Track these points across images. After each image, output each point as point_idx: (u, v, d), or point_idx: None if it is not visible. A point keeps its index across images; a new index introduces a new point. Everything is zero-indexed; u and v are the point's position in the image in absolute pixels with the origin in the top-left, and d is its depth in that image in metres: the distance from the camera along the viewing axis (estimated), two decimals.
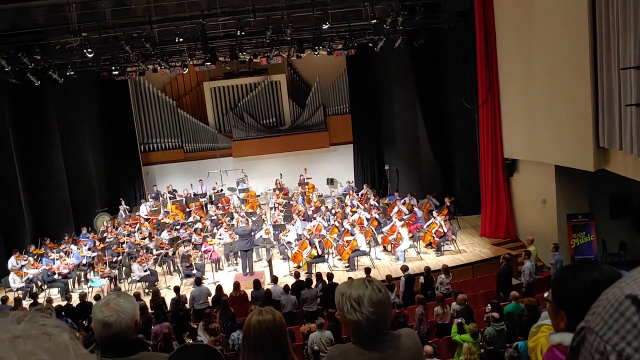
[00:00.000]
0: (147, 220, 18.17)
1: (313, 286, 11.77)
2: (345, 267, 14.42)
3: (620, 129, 9.12)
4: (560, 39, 11.13)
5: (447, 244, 14.95)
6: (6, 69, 14.45)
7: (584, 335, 0.87)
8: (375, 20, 14.53)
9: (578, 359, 0.88)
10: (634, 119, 8.47)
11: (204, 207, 19.73)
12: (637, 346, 0.78)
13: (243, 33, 14.53)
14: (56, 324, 0.78)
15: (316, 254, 14.22)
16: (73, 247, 15.68)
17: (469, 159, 16.64)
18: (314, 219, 16.58)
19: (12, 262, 14.47)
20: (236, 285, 11.98)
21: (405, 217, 15.95)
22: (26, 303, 12.87)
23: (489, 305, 9.51)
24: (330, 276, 11.98)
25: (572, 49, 10.68)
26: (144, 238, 16.28)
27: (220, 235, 15.93)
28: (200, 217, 18.12)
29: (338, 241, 14.79)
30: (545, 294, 1.77)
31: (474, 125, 15.76)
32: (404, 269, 12.15)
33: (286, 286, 11.79)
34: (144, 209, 19.21)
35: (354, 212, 16.48)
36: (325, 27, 14.64)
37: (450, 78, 17.06)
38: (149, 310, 11.27)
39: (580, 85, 10.48)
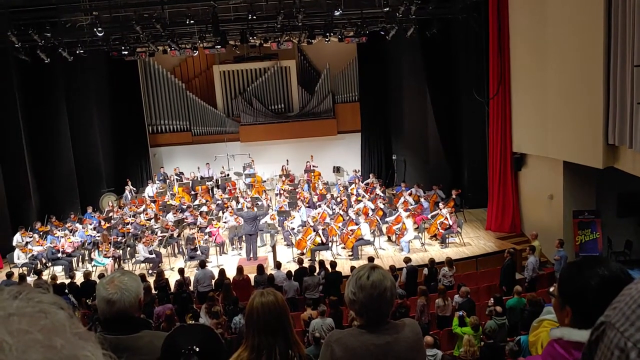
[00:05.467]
0: (153, 201, 18.22)
1: (316, 273, 11.80)
2: (349, 255, 14.43)
3: (631, 127, 9.05)
4: (575, 34, 11.01)
5: (451, 237, 14.93)
6: (16, 45, 14.44)
7: (603, 330, 0.85)
8: (387, 8, 14.42)
9: (596, 354, 0.86)
10: None
11: (210, 191, 19.77)
12: None
13: (254, 17, 14.46)
14: (53, 301, 0.76)
15: (320, 242, 14.24)
16: (78, 225, 15.76)
17: (477, 152, 16.56)
18: (319, 206, 16.58)
19: (17, 238, 14.57)
20: (239, 270, 12.03)
21: (411, 208, 15.92)
22: (30, 279, 12.96)
23: (491, 299, 9.51)
24: (333, 264, 11.99)
25: (586, 43, 10.56)
26: (149, 219, 16.34)
27: (225, 219, 15.98)
28: (206, 201, 18.16)
29: (342, 229, 14.80)
30: (551, 289, 1.76)
31: (483, 118, 15.67)
32: (407, 260, 12.16)
33: (289, 272, 11.82)
34: (150, 190, 19.27)
35: (359, 201, 16.47)
36: (337, 13, 14.54)
37: (461, 69, 16.92)
38: (153, 291, 11.33)
39: (592, 81, 10.39)
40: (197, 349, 1.87)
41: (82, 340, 0.73)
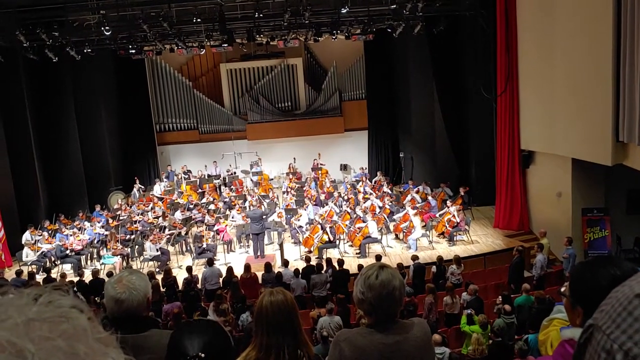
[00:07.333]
0: (160, 199, 18.28)
1: (323, 271, 11.80)
2: (356, 253, 14.42)
3: None
4: (583, 30, 10.94)
5: (459, 234, 14.88)
6: (24, 45, 14.52)
7: (591, 332, 0.86)
8: (394, 6, 14.38)
9: (585, 357, 0.87)
10: None
11: (218, 189, 19.81)
12: None
13: (261, 15, 14.46)
14: (73, 304, 0.73)
15: (327, 240, 14.24)
16: (87, 223, 15.84)
17: (485, 149, 16.50)
18: (326, 204, 16.58)
19: (26, 236, 14.66)
20: (247, 267, 12.05)
21: (418, 205, 15.89)
22: (39, 277, 13.05)
23: (499, 297, 9.47)
24: (340, 262, 11.99)
25: (594, 40, 10.49)
26: (157, 217, 16.40)
27: (232, 217, 16.01)
28: (214, 199, 18.21)
29: (350, 227, 14.79)
30: (562, 288, 1.75)
31: (491, 115, 15.60)
32: (414, 258, 12.16)
33: (296, 270, 11.83)
34: (157, 189, 19.34)
35: (366, 199, 16.45)
36: (344, 11, 14.51)
37: (468, 66, 16.86)
38: (161, 289, 11.38)
39: (601, 77, 10.31)
40: (203, 355, 1.81)
41: (103, 346, 0.72)
